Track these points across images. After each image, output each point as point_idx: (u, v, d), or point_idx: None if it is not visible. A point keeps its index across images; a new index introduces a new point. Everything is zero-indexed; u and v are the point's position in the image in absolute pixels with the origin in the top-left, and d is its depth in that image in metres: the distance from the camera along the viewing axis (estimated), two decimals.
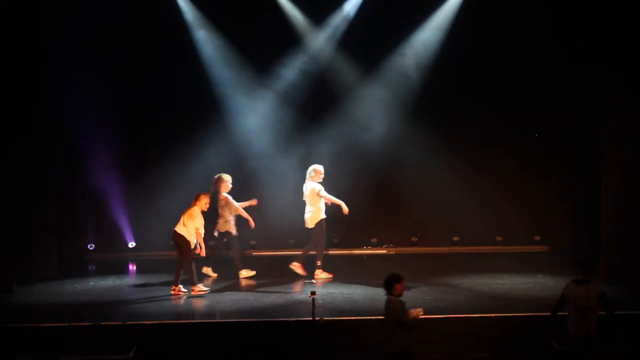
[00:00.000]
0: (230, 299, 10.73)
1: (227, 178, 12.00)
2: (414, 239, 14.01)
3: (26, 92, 11.78)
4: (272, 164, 13.59)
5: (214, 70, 13.61)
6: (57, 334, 9.16)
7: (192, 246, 11.04)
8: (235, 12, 13.35)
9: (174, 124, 13.58)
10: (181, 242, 10.97)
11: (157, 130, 13.62)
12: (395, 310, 7.71)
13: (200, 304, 10.49)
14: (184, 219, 11.06)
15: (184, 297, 10.84)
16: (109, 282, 11.86)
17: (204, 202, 11.12)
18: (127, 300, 10.68)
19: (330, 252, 13.79)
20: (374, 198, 12.61)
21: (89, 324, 9.38)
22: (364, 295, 10.89)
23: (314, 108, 13.71)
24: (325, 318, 9.27)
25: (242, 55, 13.58)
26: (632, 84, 11.39)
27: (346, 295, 10.78)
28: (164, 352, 9.13)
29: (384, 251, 12.88)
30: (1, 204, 11.28)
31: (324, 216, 11.93)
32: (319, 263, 11.98)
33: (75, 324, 9.33)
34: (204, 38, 13.57)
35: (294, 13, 13.59)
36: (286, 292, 11.10)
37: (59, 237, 12.59)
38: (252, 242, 13.80)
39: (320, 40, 13.78)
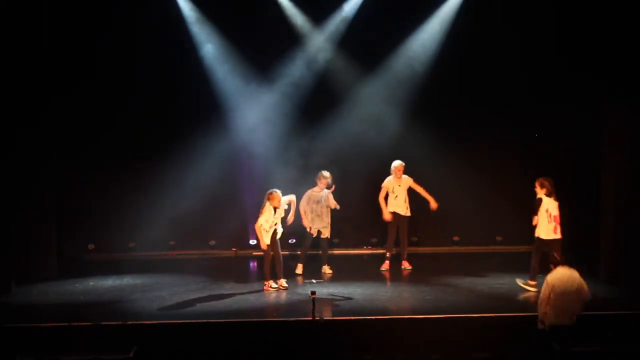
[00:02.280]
0: (231, 299, 10.73)
1: (323, 175, 12.17)
2: (414, 239, 14.00)
3: (27, 92, 11.78)
4: (271, 163, 13.57)
5: (213, 69, 13.59)
6: (57, 334, 9.16)
7: (265, 243, 11.09)
8: (235, 10, 13.33)
9: (172, 123, 13.55)
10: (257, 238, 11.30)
11: (157, 129, 13.59)
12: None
13: (200, 303, 10.48)
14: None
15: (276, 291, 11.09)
16: (109, 282, 11.86)
17: (276, 200, 11.08)
18: (127, 300, 10.67)
19: (330, 252, 13.82)
20: (374, 198, 12.60)
21: (89, 324, 9.37)
22: (364, 295, 10.89)
23: (315, 107, 13.68)
24: (325, 318, 9.27)
25: (242, 55, 13.56)
26: (632, 84, 11.40)
27: (346, 295, 10.78)
28: (164, 352, 9.13)
29: (384, 251, 12.87)
30: (1, 203, 11.28)
31: (392, 209, 12.44)
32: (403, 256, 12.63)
33: (75, 324, 9.33)
34: (204, 37, 13.53)
35: (294, 12, 13.56)
36: (286, 292, 11.09)
37: (59, 237, 12.59)
38: (252, 242, 13.79)
39: (320, 40, 13.74)
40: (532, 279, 11.01)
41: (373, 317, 9.61)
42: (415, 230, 13.84)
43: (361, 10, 13.52)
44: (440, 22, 13.60)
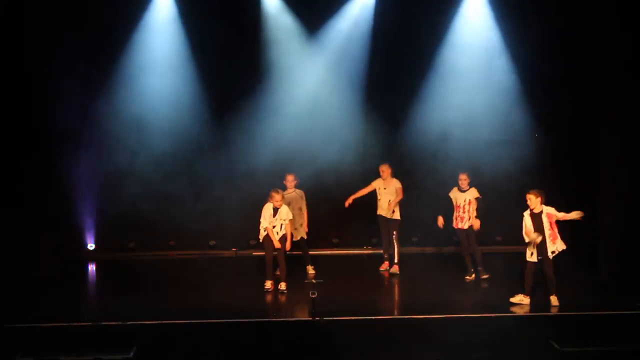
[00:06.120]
0: (231, 299, 10.74)
1: (288, 176, 12.10)
2: (414, 239, 14.00)
3: (27, 90, 11.80)
4: (272, 163, 13.57)
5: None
6: (57, 334, 9.17)
7: (271, 242, 11.09)
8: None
9: (170, 122, 13.57)
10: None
11: (156, 129, 13.59)
12: None
13: (200, 304, 10.49)
14: None
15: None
16: (109, 282, 11.86)
17: (275, 199, 11.09)
18: (127, 300, 10.68)
19: (330, 252, 13.83)
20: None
21: (89, 324, 9.38)
22: (364, 295, 10.90)
23: (312, 106, 13.69)
24: (325, 318, 9.28)
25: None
26: (633, 83, 11.40)
27: (346, 295, 10.79)
28: (164, 352, 9.14)
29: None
30: (1, 203, 11.29)
31: (379, 211, 12.39)
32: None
33: (75, 324, 9.34)
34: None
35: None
36: (286, 292, 11.09)
37: (59, 237, 12.59)
38: (252, 242, 13.78)
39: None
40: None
41: (373, 317, 9.62)
42: (415, 230, 13.84)
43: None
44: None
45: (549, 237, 10.21)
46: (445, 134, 13.64)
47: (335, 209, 12.82)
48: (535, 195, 10.30)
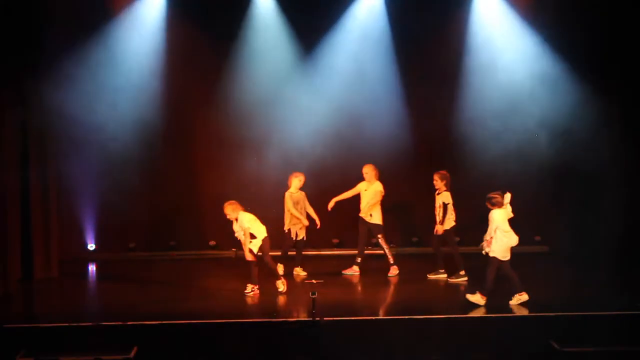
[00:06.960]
0: (230, 299, 10.73)
1: (295, 175, 12.09)
2: (414, 239, 14.00)
3: (25, 88, 11.81)
4: (272, 165, 13.57)
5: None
6: (57, 334, 9.16)
7: (255, 247, 10.94)
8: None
9: (169, 121, 13.58)
10: None
11: (155, 126, 13.59)
12: None
13: (200, 304, 10.49)
14: None
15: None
16: (109, 282, 11.86)
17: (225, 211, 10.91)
18: (127, 300, 10.67)
19: (330, 252, 13.83)
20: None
21: (89, 324, 9.38)
22: (364, 295, 10.89)
23: (315, 109, 13.70)
24: (325, 318, 9.28)
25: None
26: (633, 84, 11.41)
27: (346, 295, 10.78)
28: (164, 352, 9.13)
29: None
30: (1, 203, 11.28)
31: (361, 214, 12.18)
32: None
33: (75, 324, 9.34)
34: None
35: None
36: (286, 292, 11.08)
37: (59, 237, 12.58)
38: None
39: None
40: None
41: (373, 317, 9.61)
42: (415, 230, 13.85)
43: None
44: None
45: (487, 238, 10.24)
46: (449, 134, 13.67)
47: (335, 209, 12.81)
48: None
